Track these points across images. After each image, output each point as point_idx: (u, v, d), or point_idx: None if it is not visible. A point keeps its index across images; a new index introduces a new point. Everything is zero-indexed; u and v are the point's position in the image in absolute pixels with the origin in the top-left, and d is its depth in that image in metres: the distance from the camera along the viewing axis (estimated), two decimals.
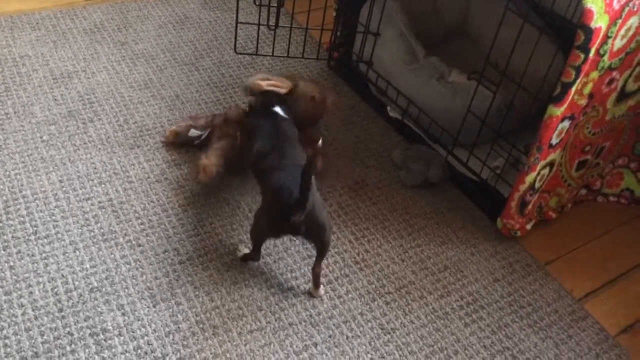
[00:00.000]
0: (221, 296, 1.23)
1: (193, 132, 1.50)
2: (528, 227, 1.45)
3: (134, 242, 1.30)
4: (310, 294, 1.26)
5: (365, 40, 1.74)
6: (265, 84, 1.38)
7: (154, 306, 1.19)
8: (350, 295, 1.28)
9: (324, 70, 1.90)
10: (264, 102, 1.37)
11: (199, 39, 1.93)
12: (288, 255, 1.33)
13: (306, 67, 1.89)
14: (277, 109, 1.35)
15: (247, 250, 1.29)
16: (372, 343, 1.20)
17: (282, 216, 1.14)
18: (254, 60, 1.87)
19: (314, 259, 1.25)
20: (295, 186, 1.11)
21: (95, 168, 1.45)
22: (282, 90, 1.41)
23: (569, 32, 1.20)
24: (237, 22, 1.73)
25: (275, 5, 1.66)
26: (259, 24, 1.74)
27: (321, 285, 1.26)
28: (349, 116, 1.72)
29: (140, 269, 1.25)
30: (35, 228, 1.30)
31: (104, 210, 1.36)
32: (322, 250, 1.22)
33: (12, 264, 1.22)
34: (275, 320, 1.21)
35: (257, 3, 1.63)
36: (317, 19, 1.76)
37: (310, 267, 1.27)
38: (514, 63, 1.35)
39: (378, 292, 1.29)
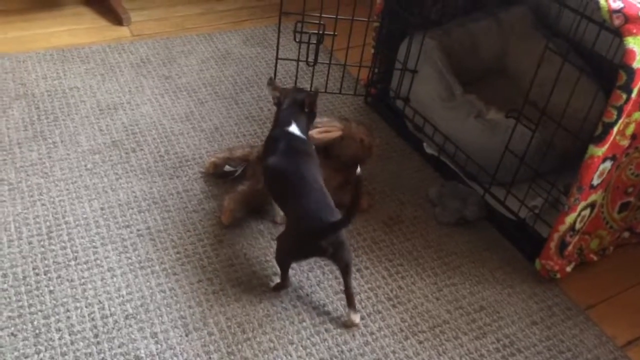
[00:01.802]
0: (253, 328, 1.23)
1: (228, 168, 1.53)
2: (568, 269, 1.41)
3: (169, 270, 1.32)
4: (346, 325, 1.25)
5: (402, 77, 1.75)
6: (315, 133, 1.41)
7: (187, 335, 1.20)
8: (382, 333, 1.26)
9: (361, 106, 1.91)
10: (282, 119, 1.34)
11: (239, 73, 1.98)
12: (321, 289, 1.32)
13: (343, 102, 1.91)
14: (293, 128, 1.32)
15: (278, 280, 1.29)
16: None
17: (310, 240, 1.18)
18: None
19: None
20: (322, 211, 1.17)
21: (135, 197, 1.49)
22: (334, 135, 1.44)
23: (610, 72, 1.19)
24: (277, 58, 1.78)
25: (315, 42, 1.70)
26: (298, 60, 1.78)
27: (358, 313, 1.26)
28: (385, 152, 1.73)
29: (175, 298, 1.27)
30: (76, 254, 1.33)
31: (142, 238, 1.39)
32: (346, 269, 1.23)
33: (51, 288, 1.25)
34: (307, 355, 1.20)
35: (297, 40, 1.67)
36: (356, 56, 1.79)
37: (343, 303, 1.27)
38: (554, 102, 1.34)
39: (411, 330, 1.27)
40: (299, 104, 1.34)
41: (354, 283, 1.32)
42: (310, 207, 1.19)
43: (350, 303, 1.25)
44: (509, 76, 1.87)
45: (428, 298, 1.34)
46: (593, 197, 1.32)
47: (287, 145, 1.29)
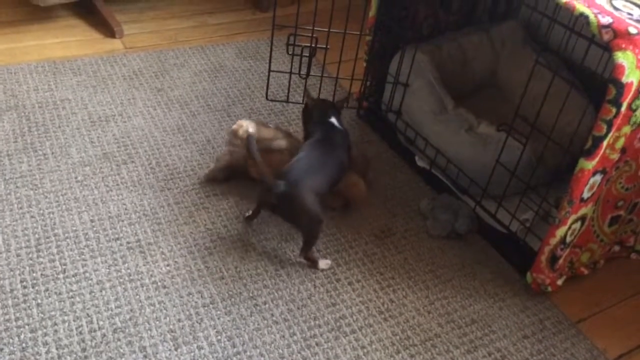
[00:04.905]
0: (243, 342, 1.22)
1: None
2: (559, 282, 1.41)
3: (159, 283, 1.31)
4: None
5: (394, 91, 1.76)
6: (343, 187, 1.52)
7: (176, 349, 1.19)
8: (374, 346, 1.25)
9: (353, 119, 1.92)
10: (321, 113, 1.55)
11: (232, 86, 1.98)
12: (312, 302, 1.32)
13: None
14: (333, 120, 1.53)
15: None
16: None
17: (265, 189, 1.36)
18: (285, 107, 1.91)
19: (337, 306, 1.25)
20: (299, 175, 1.33)
21: (125, 209, 1.48)
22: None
23: (599, 86, 1.20)
24: (269, 71, 1.78)
25: (307, 55, 1.70)
26: (290, 73, 1.78)
27: (323, 260, 1.40)
28: (377, 165, 1.73)
29: (164, 311, 1.25)
30: (64, 266, 1.32)
31: (132, 250, 1.37)
32: (303, 237, 1.37)
33: (39, 301, 1.24)
34: None
35: (289, 53, 1.68)
36: (348, 69, 1.80)
37: (334, 316, 1.27)
38: (544, 116, 1.35)
39: (403, 344, 1.26)
40: (330, 106, 1.58)
41: (345, 297, 1.32)
42: (297, 167, 1.36)
43: (311, 264, 1.40)
44: (500, 90, 1.89)
45: (419, 311, 1.34)
46: (583, 211, 1.32)
47: (327, 130, 1.50)
